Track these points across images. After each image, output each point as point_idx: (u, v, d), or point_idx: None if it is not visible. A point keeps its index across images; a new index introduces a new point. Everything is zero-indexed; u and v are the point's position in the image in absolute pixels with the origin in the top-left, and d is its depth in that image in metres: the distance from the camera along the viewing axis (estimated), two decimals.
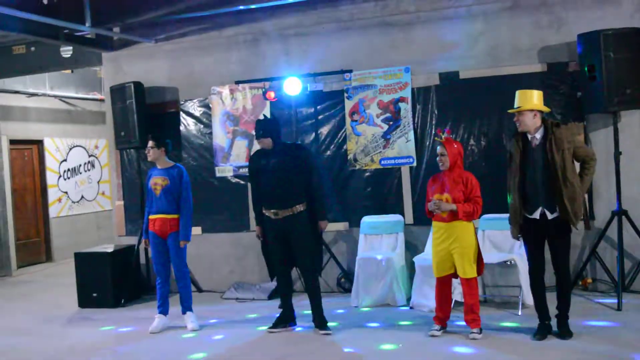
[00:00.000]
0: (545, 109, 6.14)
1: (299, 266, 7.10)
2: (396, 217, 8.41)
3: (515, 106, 6.08)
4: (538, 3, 8.05)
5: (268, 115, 8.19)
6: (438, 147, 6.48)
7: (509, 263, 7.27)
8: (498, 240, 7.68)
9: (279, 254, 7.03)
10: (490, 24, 8.21)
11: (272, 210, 6.91)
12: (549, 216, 5.99)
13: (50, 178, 13.79)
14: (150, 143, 7.54)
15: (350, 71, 8.72)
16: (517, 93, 6.13)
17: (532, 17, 8.07)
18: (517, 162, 6.07)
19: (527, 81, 7.65)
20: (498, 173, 7.26)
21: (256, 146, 7.66)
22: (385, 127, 8.63)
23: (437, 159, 6.48)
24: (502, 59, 8.16)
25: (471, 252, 6.34)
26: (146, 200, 7.69)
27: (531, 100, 6.05)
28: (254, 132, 7.69)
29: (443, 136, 6.50)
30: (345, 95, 8.80)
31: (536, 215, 6.03)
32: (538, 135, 6.05)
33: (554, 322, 6.20)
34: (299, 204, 6.87)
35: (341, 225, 8.82)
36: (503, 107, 7.45)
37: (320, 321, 6.98)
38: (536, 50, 8.03)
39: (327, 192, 8.49)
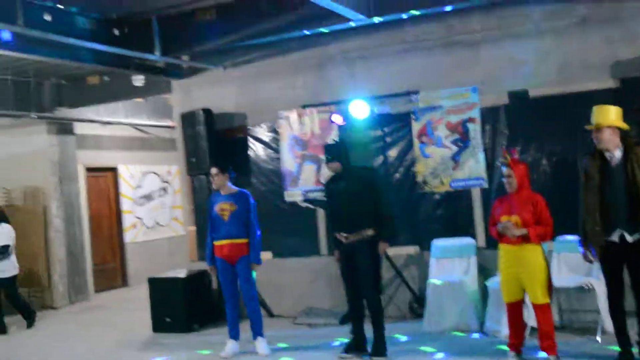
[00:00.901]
0: (625, 126, 5.88)
1: (362, 288, 6.97)
2: (468, 240, 8.26)
3: (593, 122, 5.87)
4: (609, 17, 7.82)
5: (337, 139, 8.21)
6: (504, 169, 6.33)
7: (585, 287, 7.03)
8: (574, 263, 7.40)
9: (350, 277, 6.98)
10: (560, 40, 8.01)
11: (342, 234, 6.91)
12: (629, 239, 5.72)
13: (125, 204, 14.11)
14: (215, 170, 7.61)
15: (416, 92, 8.64)
16: (594, 109, 5.91)
17: (603, 32, 7.83)
18: (597, 181, 5.83)
19: (599, 98, 7.31)
20: (570, 193, 7.02)
21: (325, 170, 7.65)
22: (455, 148, 8.50)
23: (504, 180, 6.34)
24: (572, 75, 7.92)
25: (542, 276, 6.13)
26: (209, 227, 7.65)
27: (609, 116, 5.83)
28: (323, 156, 7.64)
29: (509, 157, 6.37)
30: (412, 117, 8.71)
31: (615, 237, 5.77)
32: (617, 154, 5.80)
33: (634, 349, 5.94)
34: (368, 228, 6.82)
35: (412, 249, 8.71)
36: (575, 125, 7.26)
37: (376, 347, 6.86)
38: (608, 65, 7.78)
39: (396, 214, 8.39)
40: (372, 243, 6.85)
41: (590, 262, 6.09)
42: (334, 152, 7.07)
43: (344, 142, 7.39)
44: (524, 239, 6.13)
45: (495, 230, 6.36)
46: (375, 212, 6.87)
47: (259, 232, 7.52)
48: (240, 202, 7.51)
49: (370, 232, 6.83)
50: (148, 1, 8.36)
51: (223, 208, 7.51)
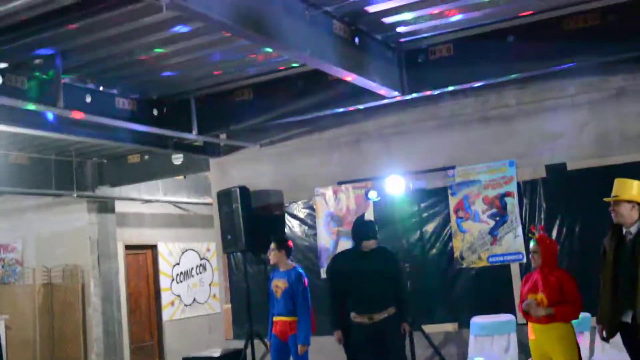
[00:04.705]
0: None
1: None
2: (507, 317, 8.02)
3: (612, 195, 5.62)
4: None
5: (370, 216, 8.16)
6: (531, 244, 6.18)
7: None
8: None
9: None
10: (596, 112, 7.93)
11: (366, 315, 6.76)
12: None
13: (164, 282, 14.10)
14: (272, 245, 7.56)
15: (453, 167, 8.58)
16: (616, 181, 5.68)
17: None
18: (610, 259, 5.51)
19: (638, 170, 7.26)
20: None
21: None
22: (492, 223, 8.37)
23: (530, 255, 6.19)
24: (610, 148, 7.82)
25: (574, 356, 5.89)
26: (270, 302, 7.64)
27: (629, 190, 5.55)
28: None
29: (536, 233, 6.25)
30: (449, 192, 8.64)
31: (627, 318, 5.37)
32: (633, 230, 5.47)
33: None
34: (391, 306, 6.77)
35: (450, 326, 8.50)
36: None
37: None
38: None
39: (432, 290, 8.45)
40: (398, 321, 6.83)
41: (606, 340, 5.66)
42: (374, 229, 7.06)
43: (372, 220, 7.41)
44: (551, 318, 5.93)
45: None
46: (396, 293, 6.88)
47: (308, 312, 7.36)
48: (291, 280, 7.43)
49: (393, 310, 6.79)
50: (186, 82, 8.52)
51: (277, 285, 7.47)
